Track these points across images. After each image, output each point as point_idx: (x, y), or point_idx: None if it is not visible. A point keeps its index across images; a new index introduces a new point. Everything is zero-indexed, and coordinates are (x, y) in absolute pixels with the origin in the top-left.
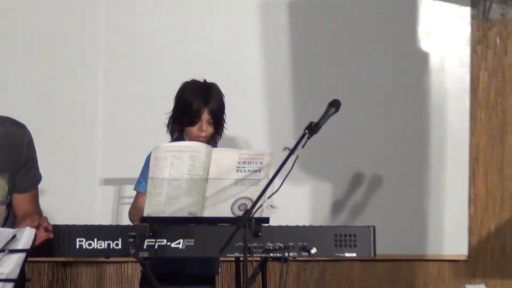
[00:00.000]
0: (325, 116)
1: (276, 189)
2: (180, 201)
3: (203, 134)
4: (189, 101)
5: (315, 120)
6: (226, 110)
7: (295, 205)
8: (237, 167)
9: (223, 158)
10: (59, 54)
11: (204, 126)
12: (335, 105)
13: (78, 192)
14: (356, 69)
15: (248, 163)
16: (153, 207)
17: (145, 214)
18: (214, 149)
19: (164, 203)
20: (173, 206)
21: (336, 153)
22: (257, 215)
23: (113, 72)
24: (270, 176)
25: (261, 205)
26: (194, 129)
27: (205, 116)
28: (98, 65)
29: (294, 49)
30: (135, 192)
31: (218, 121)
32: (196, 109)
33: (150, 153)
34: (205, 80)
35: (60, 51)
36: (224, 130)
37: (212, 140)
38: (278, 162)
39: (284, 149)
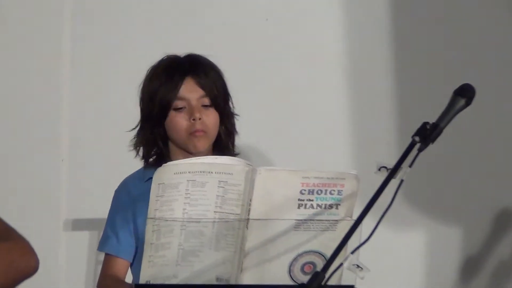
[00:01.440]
0: (449, 113)
1: (366, 237)
2: (202, 258)
3: (197, 125)
4: (159, 81)
5: (431, 119)
6: (287, 106)
7: (399, 262)
8: (299, 199)
9: (275, 184)
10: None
11: (195, 109)
12: (465, 93)
13: (33, 241)
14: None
15: (318, 192)
16: (156, 269)
17: (142, 280)
18: (260, 168)
19: (174, 262)
20: (190, 267)
21: (466, 175)
22: (333, 281)
23: (83, 57)
24: (356, 215)
25: (341, 264)
26: (178, 121)
27: (191, 87)
28: (60, 61)
29: (397, 16)
30: None
31: (216, 102)
32: (174, 81)
33: (120, 187)
34: (187, 54)
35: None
36: (276, 139)
37: (224, 148)
38: (369, 191)
39: (380, 169)
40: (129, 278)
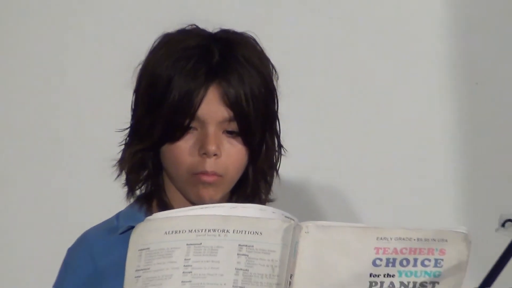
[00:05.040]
0: None
1: None
2: None
3: (209, 164)
4: (167, 75)
5: None
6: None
7: None
8: (373, 275)
9: (332, 250)
10: None
11: (212, 138)
12: None
13: None
14: None
15: (402, 263)
16: None
17: None
18: (308, 224)
19: None
20: None
21: None
22: None
23: None
24: None
25: None
26: (179, 151)
27: (214, 102)
28: None
29: None
30: None
31: (248, 130)
32: (184, 90)
33: (77, 245)
34: (220, 30)
35: None
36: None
37: (250, 196)
38: (483, 261)
39: (504, 224)
40: None
